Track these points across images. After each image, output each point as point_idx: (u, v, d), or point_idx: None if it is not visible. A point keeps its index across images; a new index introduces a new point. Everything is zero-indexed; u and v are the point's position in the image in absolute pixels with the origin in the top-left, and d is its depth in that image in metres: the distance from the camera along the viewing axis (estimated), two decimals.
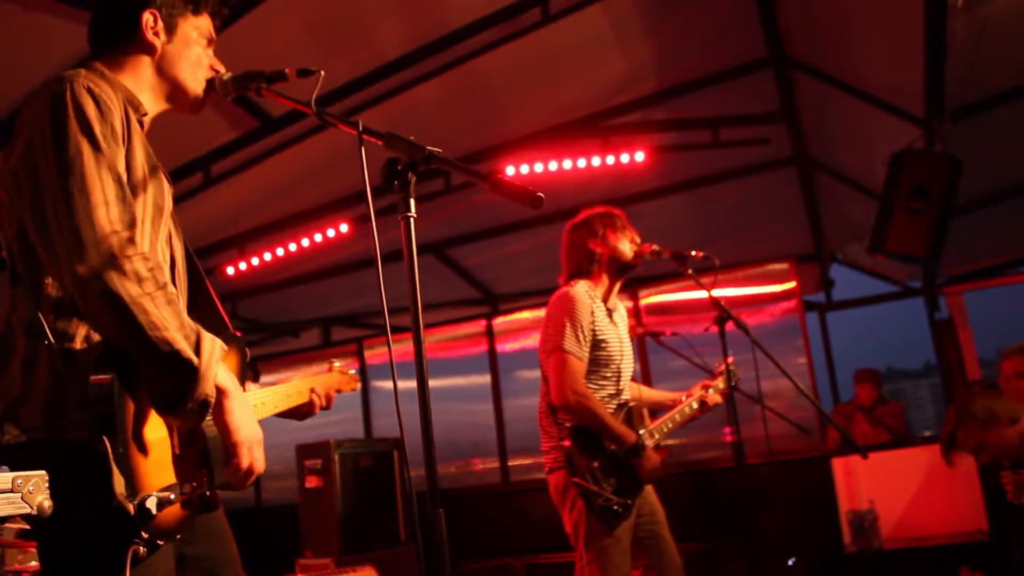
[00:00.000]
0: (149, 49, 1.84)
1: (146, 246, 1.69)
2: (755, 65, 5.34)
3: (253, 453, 1.69)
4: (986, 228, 6.41)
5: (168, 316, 1.52)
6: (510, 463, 7.61)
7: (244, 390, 1.90)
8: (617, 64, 5.33)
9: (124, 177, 1.61)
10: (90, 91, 1.62)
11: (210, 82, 1.91)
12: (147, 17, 1.83)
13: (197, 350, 1.54)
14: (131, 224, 1.56)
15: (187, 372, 1.52)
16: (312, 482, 5.68)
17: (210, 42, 1.94)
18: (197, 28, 1.91)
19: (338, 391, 2.35)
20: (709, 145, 5.77)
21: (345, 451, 5.72)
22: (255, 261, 6.68)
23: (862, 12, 4.49)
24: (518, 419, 7.59)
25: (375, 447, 6.04)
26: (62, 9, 3.85)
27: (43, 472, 1.43)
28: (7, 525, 2.86)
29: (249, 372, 1.99)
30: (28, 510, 1.40)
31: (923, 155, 4.48)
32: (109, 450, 1.46)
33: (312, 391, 2.18)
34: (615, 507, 3.19)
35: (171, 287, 1.57)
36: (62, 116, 1.58)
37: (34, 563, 2.92)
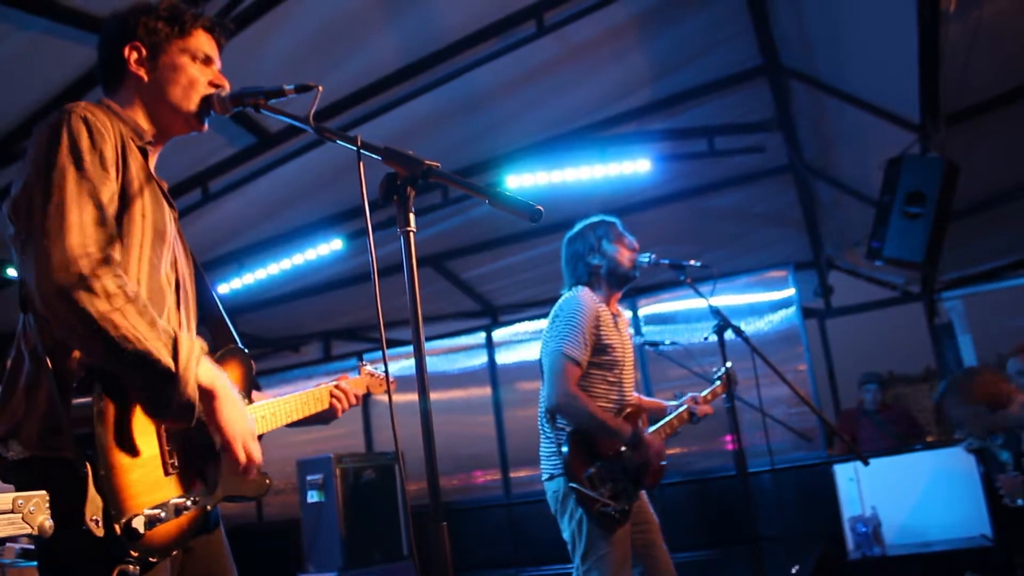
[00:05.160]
0: (138, 81, 1.87)
1: (145, 268, 1.72)
2: (750, 74, 5.37)
3: (248, 446, 1.73)
4: (984, 232, 6.42)
5: (139, 326, 1.53)
6: (511, 475, 7.58)
7: (252, 401, 1.96)
8: (612, 75, 5.35)
9: (109, 202, 1.64)
10: (85, 120, 1.66)
11: (208, 100, 1.89)
12: (128, 52, 1.87)
13: (175, 354, 1.57)
14: (107, 246, 1.58)
15: (165, 377, 1.55)
16: (313, 497, 5.66)
17: (208, 60, 1.93)
18: (186, 50, 1.89)
19: (368, 393, 2.36)
20: (706, 154, 5.79)
21: (346, 465, 5.71)
22: (254, 276, 6.67)
23: (855, 19, 4.51)
24: (519, 431, 7.55)
25: (376, 461, 6.03)
26: (60, 29, 3.86)
27: (44, 492, 1.43)
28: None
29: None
30: (29, 530, 1.40)
31: (919, 160, 4.49)
32: (89, 473, 1.48)
33: (332, 395, 2.19)
34: (613, 513, 3.18)
35: (143, 299, 1.58)
36: (55, 144, 1.62)
37: None
